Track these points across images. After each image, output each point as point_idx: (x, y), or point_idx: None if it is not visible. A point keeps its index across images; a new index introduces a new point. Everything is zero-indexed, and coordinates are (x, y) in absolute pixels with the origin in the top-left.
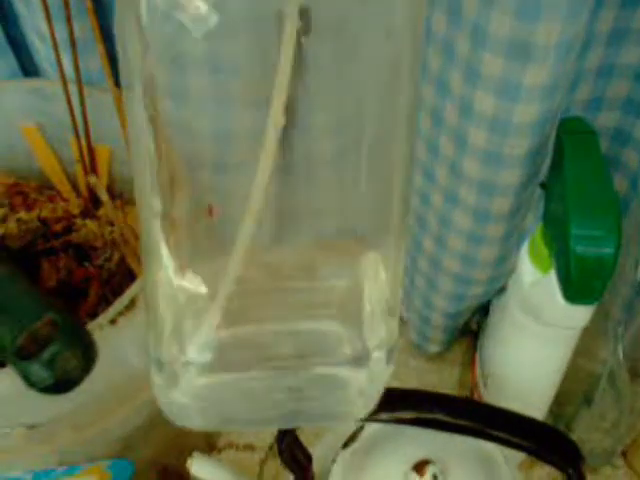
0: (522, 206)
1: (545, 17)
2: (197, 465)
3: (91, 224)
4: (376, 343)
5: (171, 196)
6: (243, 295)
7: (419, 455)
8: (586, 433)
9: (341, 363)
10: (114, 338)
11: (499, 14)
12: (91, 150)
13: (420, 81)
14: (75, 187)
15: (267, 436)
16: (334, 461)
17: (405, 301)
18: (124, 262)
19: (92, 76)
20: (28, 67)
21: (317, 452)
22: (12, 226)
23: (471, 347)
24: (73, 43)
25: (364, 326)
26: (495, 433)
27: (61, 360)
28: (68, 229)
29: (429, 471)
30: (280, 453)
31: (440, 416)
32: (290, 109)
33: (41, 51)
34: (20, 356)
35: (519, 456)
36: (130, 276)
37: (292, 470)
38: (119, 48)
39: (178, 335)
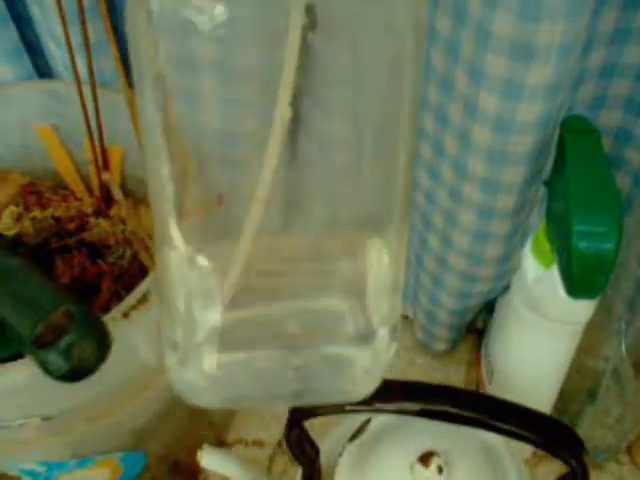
0: (526, 204)
1: (547, 17)
2: (207, 457)
3: (104, 223)
4: (380, 321)
5: (182, 183)
6: (251, 277)
7: (424, 447)
8: (590, 429)
9: (346, 342)
10: (127, 331)
11: (502, 14)
12: (104, 150)
13: (424, 81)
14: (88, 187)
15: (276, 432)
16: (341, 454)
17: (411, 299)
18: (136, 259)
19: (105, 77)
20: (42, 69)
21: (324, 445)
22: (27, 225)
23: (477, 345)
24: (87, 46)
25: (368, 305)
26: (499, 425)
27: (77, 349)
28: (81, 228)
29: (434, 462)
30: (288, 445)
31: (446, 407)
32: (297, 100)
33: (55, 54)
34: (38, 345)
35: (525, 451)
36: (142, 273)
37: (300, 462)
38: (131, 47)
39: (190, 316)
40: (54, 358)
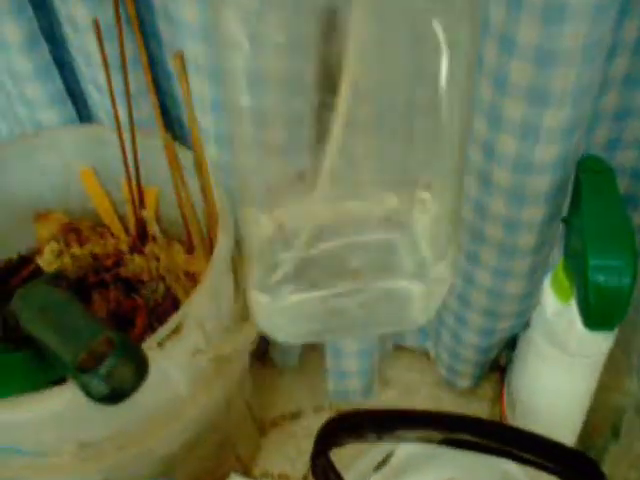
0: (546, 241)
1: (562, 64)
2: None
3: (138, 259)
4: (436, 257)
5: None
6: (321, 227)
7: (447, 476)
8: (615, 466)
9: (404, 277)
10: (161, 361)
11: (518, 62)
12: (141, 191)
13: None
14: (124, 226)
15: (301, 467)
16: None
17: (433, 338)
18: (169, 294)
19: (142, 122)
20: (83, 114)
21: (349, 476)
22: (67, 261)
23: (499, 382)
24: (128, 93)
25: (425, 242)
26: (522, 454)
27: (117, 373)
28: (117, 264)
29: None
30: (314, 475)
31: (469, 437)
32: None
33: (97, 100)
34: (80, 370)
35: None
36: (174, 307)
37: None
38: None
39: (268, 260)
40: (95, 382)
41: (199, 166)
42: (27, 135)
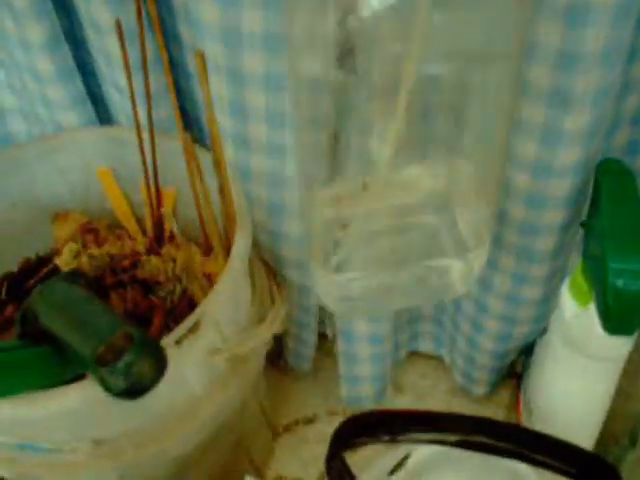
0: (564, 246)
1: (582, 69)
2: None
3: (155, 260)
4: (473, 238)
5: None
6: (373, 211)
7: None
8: (632, 475)
9: (447, 256)
10: (177, 359)
11: (539, 65)
12: (159, 191)
13: None
14: (141, 227)
15: (314, 471)
16: None
17: (448, 345)
18: (185, 295)
19: (161, 124)
20: (102, 116)
21: (364, 479)
22: (84, 261)
23: (516, 389)
24: (148, 95)
25: (462, 225)
26: (539, 458)
27: (135, 368)
28: (134, 265)
29: None
30: (329, 476)
31: (486, 439)
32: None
33: (117, 102)
34: (99, 364)
35: None
36: (191, 307)
37: None
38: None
39: (328, 245)
40: (114, 376)
41: (218, 164)
42: (47, 136)
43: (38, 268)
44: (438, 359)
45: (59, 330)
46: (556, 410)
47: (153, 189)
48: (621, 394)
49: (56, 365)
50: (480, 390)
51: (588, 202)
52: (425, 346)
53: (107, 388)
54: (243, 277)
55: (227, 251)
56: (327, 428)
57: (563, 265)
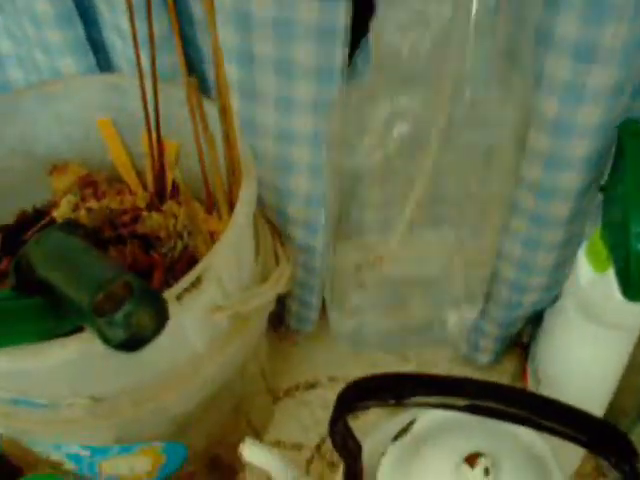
0: (581, 212)
1: (611, 20)
2: (249, 450)
3: (156, 216)
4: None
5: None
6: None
7: (470, 448)
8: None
9: (444, 307)
10: (178, 315)
11: (565, 17)
12: (160, 142)
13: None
14: (142, 182)
15: (315, 436)
16: (384, 454)
17: None
18: (186, 252)
19: (165, 74)
20: (102, 63)
21: (367, 445)
22: (83, 214)
23: (521, 358)
24: (152, 39)
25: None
26: (548, 424)
27: (135, 318)
28: (134, 220)
29: (481, 463)
30: (332, 439)
31: (494, 404)
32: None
33: (118, 48)
34: (97, 314)
35: (573, 463)
36: (191, 265)
37: (343, 457)
38: None
39: (345, 295)
40: (113, 327)
41: (224, 111)
42: (45, 82)
43: (35, 220)
44: None
45: (55, 280)
46: (566, 379)
47: (155, 140)
48: (632, 367)
49: (51, 318)
50: (485, 359)
51: (609, 166)
52: None
53: (105, 340)
54: (247, 233)
55: (231, 207)
56: (328, 394)
57: (579, 231)
